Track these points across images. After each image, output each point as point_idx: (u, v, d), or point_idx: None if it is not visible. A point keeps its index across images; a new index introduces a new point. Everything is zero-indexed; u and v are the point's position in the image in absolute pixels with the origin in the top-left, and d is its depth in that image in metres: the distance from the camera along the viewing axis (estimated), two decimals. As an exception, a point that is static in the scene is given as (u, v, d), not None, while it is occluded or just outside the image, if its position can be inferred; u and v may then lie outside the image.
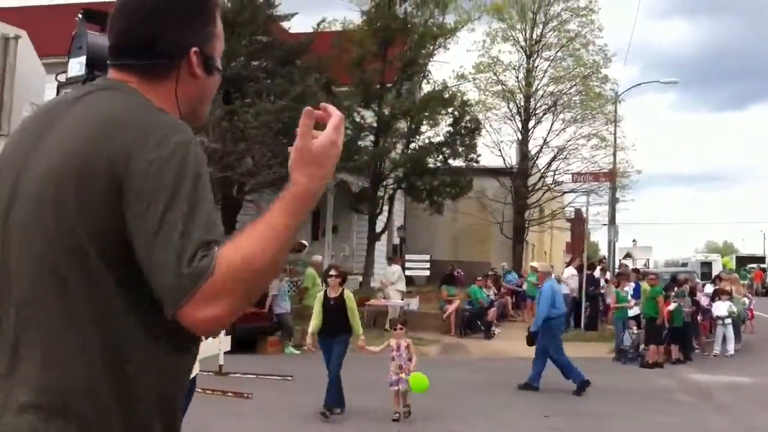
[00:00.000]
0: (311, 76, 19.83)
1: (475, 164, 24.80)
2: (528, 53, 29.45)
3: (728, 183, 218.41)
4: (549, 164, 29.97)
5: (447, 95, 24.32)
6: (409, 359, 8.38)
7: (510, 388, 10.97)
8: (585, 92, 29.16)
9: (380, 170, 22.50)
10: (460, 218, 28.00)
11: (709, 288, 18.39)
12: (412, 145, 23.70)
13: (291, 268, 18.45)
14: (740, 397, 11.17)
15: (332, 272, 8.91)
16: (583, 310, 18.26)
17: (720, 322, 15.88)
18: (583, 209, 25.34)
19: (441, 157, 23.82)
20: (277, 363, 12.87)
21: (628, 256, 31.77)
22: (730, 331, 15.86)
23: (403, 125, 23.39)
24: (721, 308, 15.95)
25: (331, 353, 8.54)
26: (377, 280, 21.60)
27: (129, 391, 1.43)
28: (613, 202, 25.97)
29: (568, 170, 28.58)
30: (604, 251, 32.27)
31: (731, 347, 15.76)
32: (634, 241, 40.46)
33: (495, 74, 29.30)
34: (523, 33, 29.53)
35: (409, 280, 21.63)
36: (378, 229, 23.25)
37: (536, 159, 29.97)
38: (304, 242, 18.43)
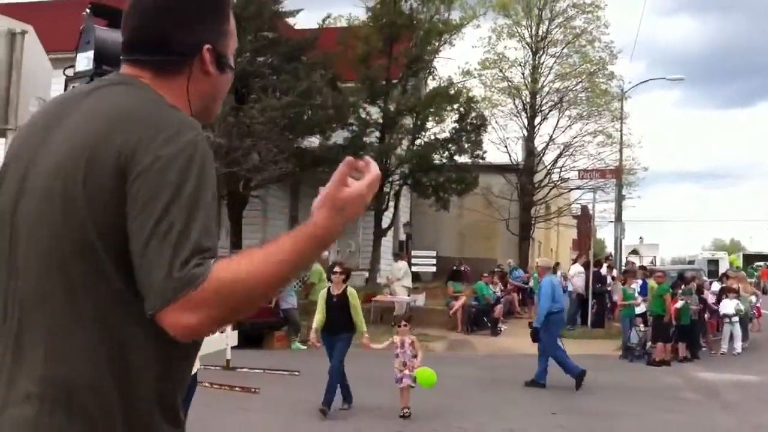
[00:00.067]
0: (317, 72, 19.79)
1: (481, 161, 24.69)
2: (534, 50, 29.36)
3: (735, 180, 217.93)
4: (555, 161, 29.97)
5: (453, 91, 24.23)
6: (414, 356, 8.36)
7: (516, 385, 10.96)
8: (591, 89, 29.10)
9: (386, 166, 22.46)
10: (466, 215, 27.96)
11: (716, 286, 18.33)
12: (418, 142, 23.62)
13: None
14: (747, 395, 11.12)
15: (336, 269, 8.85)
16: (589, 307, 18.20)
17: (727, 320, 15.81)
18: (590, 206, 25.31)
19: (447, 153, 23.74)
20: (284, 358, 12.88)
21: (634, 253, 31.73)
22: (737, 329, 15.81)
23: (408, 121, 23.34)
24: (728, 306, 15.89)
25: (334, 349, 8.52)
26: (383, 276, 21.61)
27: (131, 388, 1.42)
28: (620, 199, 25.92)
29: (574, 167, 28.56)
30: (610, 248, 32.29)
31: (738, 345, 15.70)
32: (640, 238, 40.45)
33: (501, 71, 29.28)
34: (529, 29, 29.47)
35: (416, 276, 21.61)
36: (384, 225, 23.23)
37: (542, 156, 29.95)
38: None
